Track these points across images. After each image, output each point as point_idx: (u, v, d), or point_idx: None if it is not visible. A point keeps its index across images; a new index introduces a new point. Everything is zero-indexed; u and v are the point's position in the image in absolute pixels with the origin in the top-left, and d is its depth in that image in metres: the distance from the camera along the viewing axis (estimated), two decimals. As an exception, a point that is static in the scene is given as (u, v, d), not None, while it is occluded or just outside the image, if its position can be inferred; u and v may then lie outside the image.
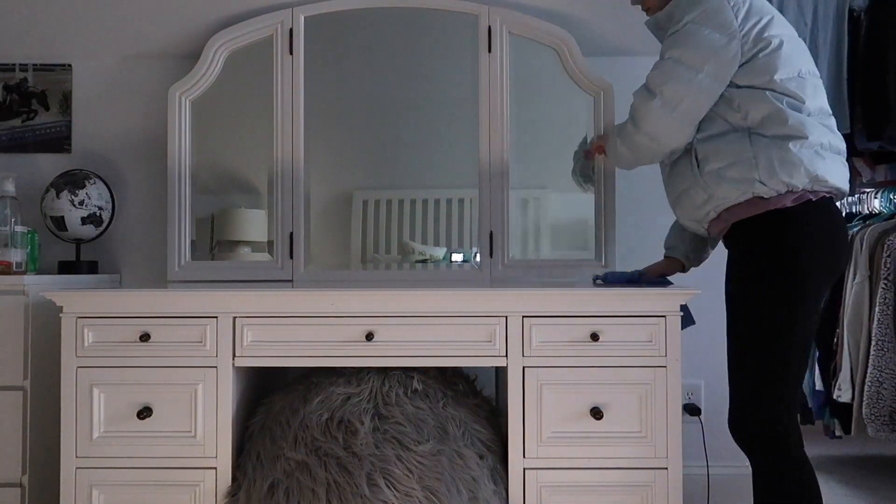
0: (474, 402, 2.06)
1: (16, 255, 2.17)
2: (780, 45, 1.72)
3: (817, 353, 2.97)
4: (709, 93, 1.74)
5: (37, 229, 2.30)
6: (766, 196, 1.68)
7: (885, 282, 2.73)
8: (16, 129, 2.57)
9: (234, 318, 1.91)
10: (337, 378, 1.97)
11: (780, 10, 2.85)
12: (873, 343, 2.71)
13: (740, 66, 1.72)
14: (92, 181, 2.39)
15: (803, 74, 1.73)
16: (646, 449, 1.89)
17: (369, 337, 1.89)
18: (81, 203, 2.35)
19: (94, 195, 2.38)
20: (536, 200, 2.48)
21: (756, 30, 1.72)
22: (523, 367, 1.91)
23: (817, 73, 1.78)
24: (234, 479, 1.89)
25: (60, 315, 1.90)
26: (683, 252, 2.05)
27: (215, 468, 1.89)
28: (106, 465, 1.88)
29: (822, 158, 1.68)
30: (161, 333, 1.90)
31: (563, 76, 2.41)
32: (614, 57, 2.53)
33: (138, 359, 1.90)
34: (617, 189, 2.41)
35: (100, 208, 2.39)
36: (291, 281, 2.37)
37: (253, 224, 2.49)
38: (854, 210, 3.23)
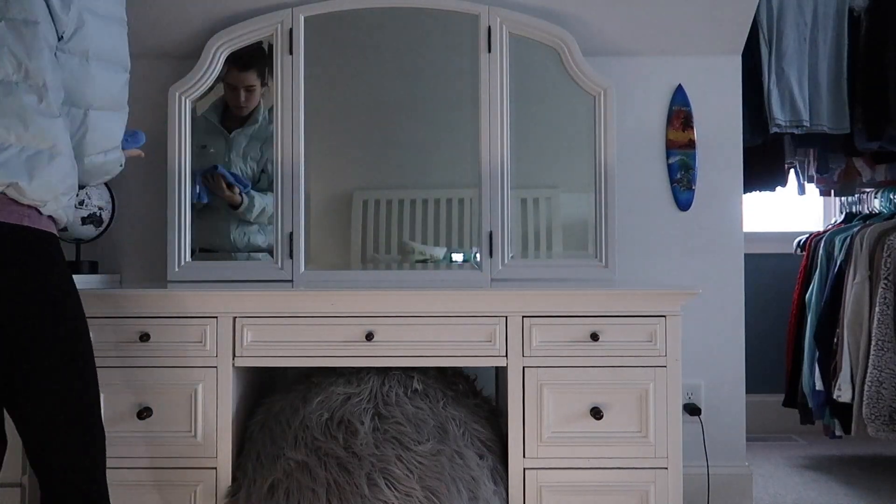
0: (474, 402, 2.06)
1: (16, 255, 2.16)
2: None
3: (817, 354, 2.97)
4: None
5: (37, 229, 2.30)
6: None
7: (885, 282, 2.73)
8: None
9: (234, 318, 1.91)
10: (337, 378, 1.97)
11: (780, 10, 2.86)
12: (873, 343, 2.71)
13: None
14: (92, 181, 2.39)
15: None
16: (646, 449, 1.89)
17: (369, 337, 1.89)
18: (81, 203, 2.34)
19: (94, 195, 2.38)
20: (536, 200, 2.48)
21: None
22: (523, 367, 1.91)
23: None
24: (234, 479, 1.89)
25: (60, 315, 1.90)
26: None
27: (215, 468, 1.89)
28: (106, 465, 1.88)
29: None
30: (161, 333, 1.90)
31: (563, 76, 2.41)
32: (614, 57, 2.53)
33: (138, 359, 1.90)
34: (617, 189, 2.41)
35: (100, 208, 2.39)
36: (291, 281, 2.37)
37: (253, 224, 2.50)
38: (854, 210, 3.23)
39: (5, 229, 1.40)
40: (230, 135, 2.47)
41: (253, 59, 2.43)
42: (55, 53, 1.52)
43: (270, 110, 2.43)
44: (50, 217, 1.49)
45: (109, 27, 1.62)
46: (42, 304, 1.43)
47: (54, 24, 1.51)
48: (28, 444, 1.47)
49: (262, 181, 2.46)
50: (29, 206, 1.43)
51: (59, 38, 1.53)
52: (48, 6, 1.51)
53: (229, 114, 2.49)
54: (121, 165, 1.72)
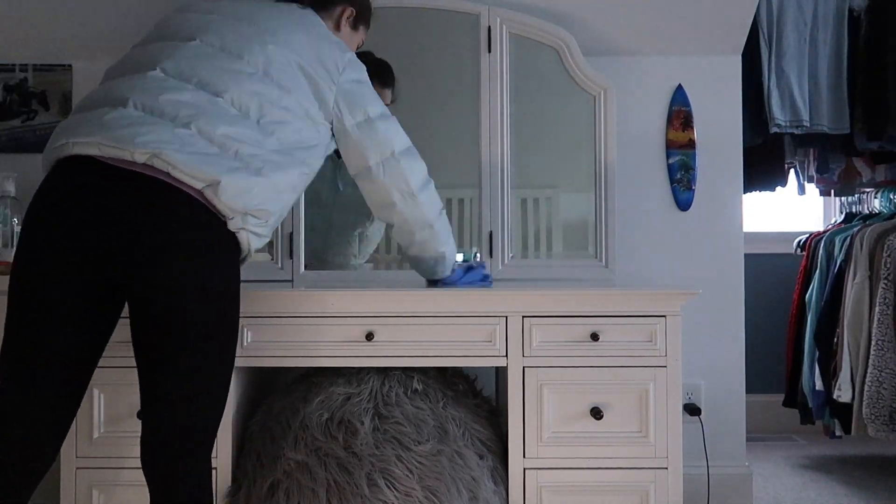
0: (474, 402, 2.06)
1: (16, 255, 2.16)
2: None
3: (817, 354, 2.97)
4: None
5: (37, 229, 2.30)
6: None
7: (885, 282, 2.73)
8: (16, 129, 2.57)
9: (234, 318, 1.91)
10: (337, 378, 1.97)
11: (780, 11, 2.86)
12: (873, 343, 2.71)
13: None
14: (92, 181, 2.39)
15: None
16: (646, 449, 1.89)
17: (369, 337, 1.89)
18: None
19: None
20: (536, 200, 2.48)
21: None
22: (523, 367, 1.91)
23: None
24: (234, 479, 1.89)
25: (60, 315, 1.89)
26: None
27: (215, 468, 1.88)
28: (106, 465, 1.88)
29: None
30: (161, 333, 1.89)
31: (563, 76, 2.41)
32: (614, 57, 2.53)
33: (138, 359, 1.89)
34: (617, 189, 2.41)
35: (100, 208, 2.39)
36: (291, 281, 2.37)
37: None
38: (854, 210, 3.23)
39: (203, 217, 1.47)
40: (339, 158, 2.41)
41: (391, 78, 2.35)
42: (342, 132, 1.71)
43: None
44: (234, 235, 1.53)
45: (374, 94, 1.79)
46: (210, 294, 1.50)
47: (321, 106, 1.67)
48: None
49: None
50: (221, 216, 1.48)
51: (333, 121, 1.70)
52: (312, 87, 1.65)
53: None
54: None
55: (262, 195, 1.52)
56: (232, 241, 1.53)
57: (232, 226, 1.51)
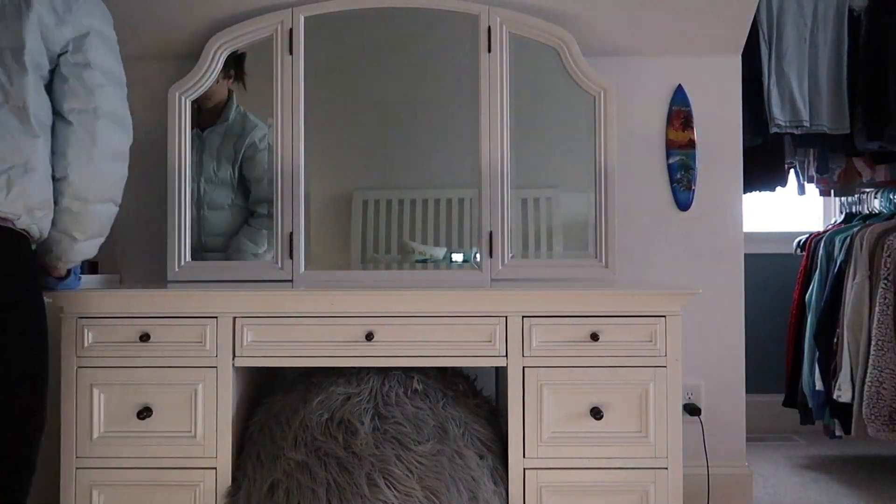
0: (474, 402, 2.06)
1: (15, 255, 2.16)
2: None
3: (817, 354, 2.97)
4: None
5: (37, 229, 2.29)
6: None
7: (885, 282, 2.73)
8: (15, 129, 2.56)
9: (234, 318, 1.91)
10: (337, 378, 1.97)
11: (780, 10, 2.86)
12: (873, 343, 2.71)
13: None
14: (92, 181, 2.38)
15: None
16: (646, 449, 1.89)
17: (369, 337, 1.89)
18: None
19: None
20: (536, 200, 2.48)
21: None
22: (523, 367, 1.91)
23: None
24: (234, 479, 1.89)
25: (61, 315, 1.90)
26: None
27: (215, 468, 1.89)
28: (106, 465, 1.88)
29: None
30: (161, 333, 1.90)
31: (563, 76, 2.41)
32: (614, 57, 2.53)
33: (138, 359, 1.90)
34: (617, 189, 2.41)
35: (100, 208, 2.38)
36: (291, 281, 2.37)
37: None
38: (854, 210, 3.23)
39: None
40: (203, 133, 2.46)
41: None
42: (56, 69, 1.64)
43: (241, 107, 2.46)
44: (24, 230, 1.58)
45: (112, 52, 1.75)
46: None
47: (46, 46, 1.61)
48: None
49: (242, 185, 2.45)
50: (3, 219, 1.53)
51: (60, 55, 1.63)
52: (40, 29, 1.59)
53: (203, 111, 2.47)
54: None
55: (38, 189, 1.58)
56: (23, 240, 1.57)
57: (20, 224, 1.56)
